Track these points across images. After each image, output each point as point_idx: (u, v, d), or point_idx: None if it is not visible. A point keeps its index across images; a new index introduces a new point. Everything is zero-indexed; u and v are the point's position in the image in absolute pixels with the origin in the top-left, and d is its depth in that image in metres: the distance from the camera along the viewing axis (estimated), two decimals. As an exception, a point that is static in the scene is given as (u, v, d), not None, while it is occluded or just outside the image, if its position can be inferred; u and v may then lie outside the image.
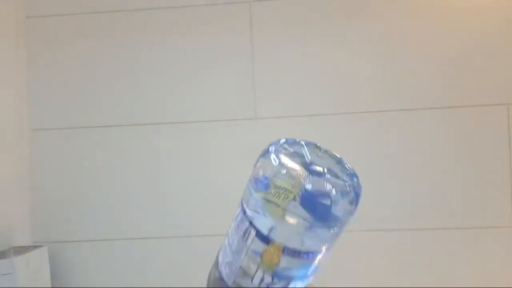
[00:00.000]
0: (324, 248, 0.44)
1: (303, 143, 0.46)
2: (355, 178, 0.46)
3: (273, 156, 0.45)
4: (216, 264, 0.48)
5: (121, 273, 1.53)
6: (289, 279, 0.43)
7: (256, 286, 0.42)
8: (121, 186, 1.55)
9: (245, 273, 0.43)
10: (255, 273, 0.42)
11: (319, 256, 0.45)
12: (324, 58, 1.50)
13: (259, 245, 0.42)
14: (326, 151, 0.46)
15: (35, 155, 1.56)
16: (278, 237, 0.42)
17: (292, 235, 0.42)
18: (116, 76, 1.56)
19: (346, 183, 0.44)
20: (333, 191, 0.43)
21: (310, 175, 0.43)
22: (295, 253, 0.42)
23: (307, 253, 0.43)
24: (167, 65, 1.54)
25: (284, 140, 0.47)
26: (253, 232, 0.42)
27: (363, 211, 1.43)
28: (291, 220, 0.42)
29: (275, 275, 0.42)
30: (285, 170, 0.43)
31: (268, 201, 0.42)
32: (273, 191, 0.42)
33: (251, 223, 0.42)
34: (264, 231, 0.42)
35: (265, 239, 0.42)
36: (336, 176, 0.44)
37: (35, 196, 1.56)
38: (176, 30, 1.54)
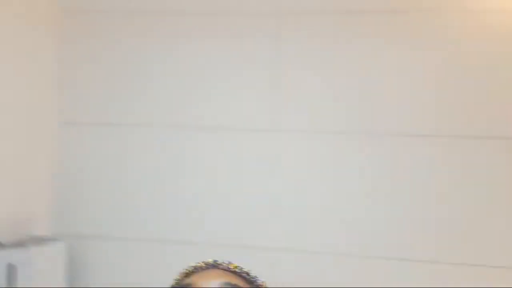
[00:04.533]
0: None
1: None
2: None
3: None
4: None
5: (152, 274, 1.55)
6: None
7: None
8: (151, 185, 1.57)
9: None
10: None
11: None
12: (351, 74, 1.50)
13: None
14: None
15: (64, 149, 1.60)
16: None
17: None
18: (149, 77, 1.58)
19: None
20: None
21: None
22: None
23: None
24: (199, 70, 1.56)
25: None
26: None
27: (367, 238, 1.44)
28: None
29: None
30: None
31: None
32: None
33: None
34: None
35: None
36: None
37: (60, 189, 1.60)
38: (209, 37, 1.56)
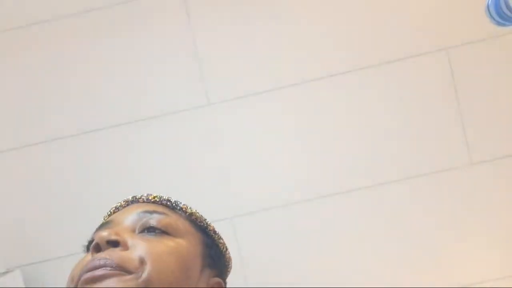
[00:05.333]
0: None
1: None
2: None
3: None
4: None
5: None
6: None
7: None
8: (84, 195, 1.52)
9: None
10: None
11: None
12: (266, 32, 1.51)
13: None
14: None
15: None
16: None
17: None
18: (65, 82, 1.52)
19: None
20: None
21: None
22: None
23: None
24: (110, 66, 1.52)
25: None
26: None
27: (322, 175, 1.45)
28: None
29: None
30: None
31: None
32: None
33: None
34: None
35: None
36: None
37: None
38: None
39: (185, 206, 0.68)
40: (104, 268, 0.56)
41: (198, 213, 0.69)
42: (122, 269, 0.56)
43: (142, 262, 0.57)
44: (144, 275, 0.56)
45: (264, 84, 1.50)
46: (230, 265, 0.72)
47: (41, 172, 1.52)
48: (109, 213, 0.70)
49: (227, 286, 0.69)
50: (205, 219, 0.70)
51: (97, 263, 0.56)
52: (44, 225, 1.51)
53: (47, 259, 1.51)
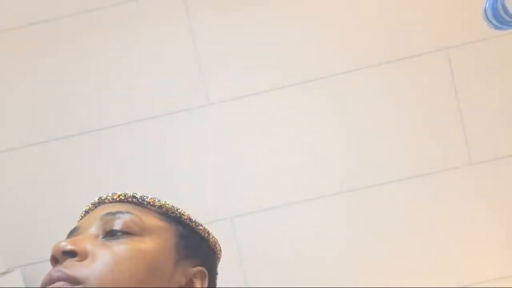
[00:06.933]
0: None
1: None
2: None
3: None
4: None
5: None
6: None
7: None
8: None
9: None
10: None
11: None
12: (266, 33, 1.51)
13: None
14: None
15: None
16: None
17: None
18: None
19: None
20: None
21: None
22: None
23: None
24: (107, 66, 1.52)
25: None
26: None
27: (321, 175, 1.45)
28: None
29: None
30: None
31: None
32: None
33: None
34: None
35: None
36: None
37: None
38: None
39: (152, 200, 0.66)
40: (58, 282, 0.55)
41: (168, 204, 0.66)
42: (75, 282, 0.55)
43: (95, 271, 0.56)
44: (97, 285, 0.55)
45: (264, 84, 1.50)
46: (217, 249, 0.70)
47: (41, 172, 1.52)
48: (80, 217, 0.69)
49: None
50: (178, 209, 0.67)
51: (52, 276, 0.56)
52: (44, 225, 1.51)
53: (47, 259, 1.49)
